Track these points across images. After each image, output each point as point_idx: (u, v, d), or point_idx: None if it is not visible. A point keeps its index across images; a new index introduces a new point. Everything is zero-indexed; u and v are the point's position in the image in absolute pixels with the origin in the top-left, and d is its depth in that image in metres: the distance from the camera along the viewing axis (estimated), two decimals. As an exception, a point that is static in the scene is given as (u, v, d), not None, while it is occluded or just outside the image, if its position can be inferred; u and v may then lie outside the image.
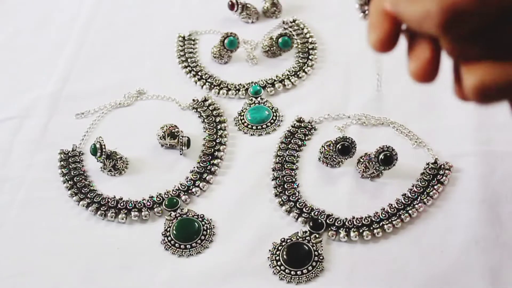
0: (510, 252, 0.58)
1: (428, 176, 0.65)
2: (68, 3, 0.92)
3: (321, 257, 0.59)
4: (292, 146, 0.69)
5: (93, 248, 0.61)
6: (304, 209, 0.63)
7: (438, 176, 0.65)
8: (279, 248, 0.60)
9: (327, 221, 0.62)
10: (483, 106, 0.41)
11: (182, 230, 0.62)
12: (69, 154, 0.70)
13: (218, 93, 0.76)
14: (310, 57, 0.80)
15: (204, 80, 0.78)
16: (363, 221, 0.61)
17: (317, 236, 0.61)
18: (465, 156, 0.67)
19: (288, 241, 0.60)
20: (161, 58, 0.82)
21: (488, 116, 0.70)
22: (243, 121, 0.73)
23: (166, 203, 0.64)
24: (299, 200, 0.64)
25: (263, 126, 0.72)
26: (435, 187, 0.64)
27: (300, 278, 0.58)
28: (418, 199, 0.63)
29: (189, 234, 0.62)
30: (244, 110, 0.74)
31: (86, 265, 0.60)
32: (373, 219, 0.62)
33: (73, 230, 0.63)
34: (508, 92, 0.38)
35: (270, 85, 0.76)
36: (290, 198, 0.64)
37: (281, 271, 0.58)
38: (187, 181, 0.67)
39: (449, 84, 0.78)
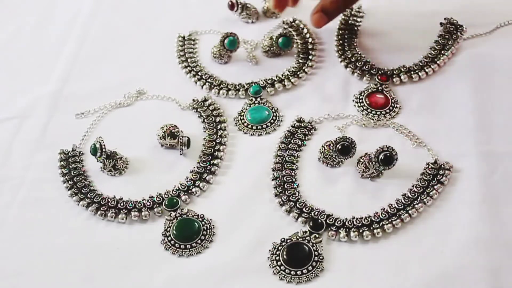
0: (510, 252, 0.58)
1: (428, 176, 0.65)
2: (68, 3, 0.92)
3: (321, 257, 0.59)
4: (292, 146, 0.69)
5: (93, 248, 0.61)
6: (304, 209, 0.63)
7: (438, 176, 0.65)
8: (279, 248, 0.60)
9: (327, 221, 0.62)
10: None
11: (182, 230, 0.62)
12: (69, 154, 0.70)
13: (218, 93, 0.77)
14: (310, 57, 0.80)
15: (204, 80, 0.78)
16: (363, 221, 0.61)
17: (317, 236, 0.61)
18: (465, 156, 0.67)
19: (288, 241, 0.60)
20: (161, 58, 0.82)
21: (488, 116, 0.70)
22: (243, 121, 0.73)
23: (166, 203, 0.64)
24: (299, 200, 0.64)
25: (263, 126, 0.72)
26: (435, 187, 0.64)
27: (300, 278, 0.58)
28: (418, 199, 0.63)
29: (189, 234, 0.62)
30: (244, 110, 0.74)
31: (86, 265, 0.60)
32: (373, 219, 0.62)
33: (73, 230, 0.63)
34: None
35: (270, 85, 0.76)
36: (290, 198, 0.64)
37: (281, 271, 0.58)
38: (187, 181, 0.67)
39: (449, 85, 0.79)
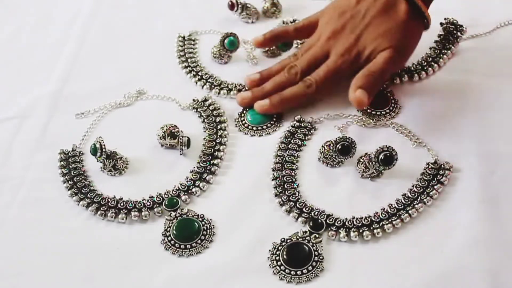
0: (510, 252, 0.58)
1: (428, 176, 0.65)
2: (68, 3, 0.92)
3: (321, 257, 0.59)
4: (292, 146, 0.69)
5: (93, 248, 0.61)
6: (304, 209, 0.63)
7: (438, 176, 0.65)
8: (279, 248, 0.60)
9: (327, 221, 0.62)
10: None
11: (182, 230, 0.62)
12: (69, 154, 0.70)
13: (219, 93, 0.76)
14: (310, 57, 0.80)
15: (204, 80, 0.78)
16: (363, 221, 0.61)
17: (317, 236, 0.61)
18: (465, 156, 0.67)
19: (288, 241, 0.60)
20: (161, 58, 0.82)
21: (488, 116, 0.70)
22: (243, 121, 0.73)
23: (166, 203, 0.64)
24: (299, 200, 0.64)
25: (263, 127, 0.72)
26: (435, 187, 0.64)
27: (300, 278, 0.58)
28: (418, 199, 0.63)
29: (189, 234, 0.62)
30: (244, 111, 0.74)
31: (86, 265, 0.60)
32: (373, 219, 0.62)
33: (73, 230, 0.63)
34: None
35: (270, 85, 0.76)
36: (290, 198, 0.64)
37: (281, 271, 0.58)
38: (187, 181, 0.67)
39: (449, 85, 0.79)
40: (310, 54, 0.72)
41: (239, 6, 0.85)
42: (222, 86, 0.77)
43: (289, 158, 0.68)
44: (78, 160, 0.69)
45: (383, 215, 0.62)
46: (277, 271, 0.58)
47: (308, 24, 0.75)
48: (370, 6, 0.70)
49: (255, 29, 0.85)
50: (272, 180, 0.66)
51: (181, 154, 0.69)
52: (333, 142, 0.66)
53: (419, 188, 0.64)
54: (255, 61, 0.80)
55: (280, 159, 0.68)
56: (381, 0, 0.69)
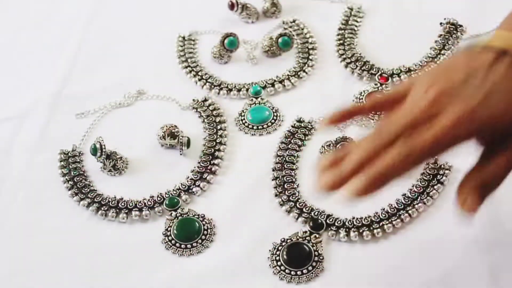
0: (510, 252, 0.58)
1: (428, 176, 0.65)
2: (69, 3, 0.92)
3: (321, 257, 0.59)
4: (292, 146, 0.69)
5: (93, 248, 0.62)
6: (304, 209, 0.63)
7: (438, 176, 0.65)
8: (279, 248, 0.60)
9: (327, 221, 0.62)
10: None
11: (182, 230, 0.62)
12: (69, 154, 0.70)
13: (219, 93, 0.76)
14: (310, 57, 0.80)
15: (204, 80, 0.78)
16: (363, 221, 0.62)
17: (317, 236, 0.61)
18: (465, 156, 0.66)
19: (288, 241, 0.60)
20: (161, 58, 0.82)
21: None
22: (243, 121, 0.73)
23: (167, 202, 0.64)
24: (299, 200, 0.64)
25: (264, 126, 0.72)
26: (435, 187, 0.64)
27: (300, 278, 0.58)
28: (418, 199, 0.63)
29: (189, 234, 0.62)
30: (244, 111, 0.74)
31: (87, 265, 0.60)
32: (373, 219, 0.62)
33: (74, 230, 0.63)
34: None
35: (270, 85, 0.76)
36: (290, 198, 0.64)
37: (281, 271, 0.58)
38: (187, 181, 0.67)
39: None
40: (412, 113, 0.48)
41: (239, 6, 0.85)
42: (222, 86, 0.77)
43: (289, 158, 0.68)
44: (78, 160, 0.69)
45: (383, 215, 0.62)
46: (277, 271, 0.59)
47: (395, 95, 0.52)
48: (495, 67, 0.49)
49: (255, 29, 0.85)
50: (272, 180, 0.66)
51: (181, 154, 0.69)
52: (333, 142, 0.66)
53: (419, 188, 0.64)
54: (255, 61, 0.80)
55: (280, 159, 0.68)
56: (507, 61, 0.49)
